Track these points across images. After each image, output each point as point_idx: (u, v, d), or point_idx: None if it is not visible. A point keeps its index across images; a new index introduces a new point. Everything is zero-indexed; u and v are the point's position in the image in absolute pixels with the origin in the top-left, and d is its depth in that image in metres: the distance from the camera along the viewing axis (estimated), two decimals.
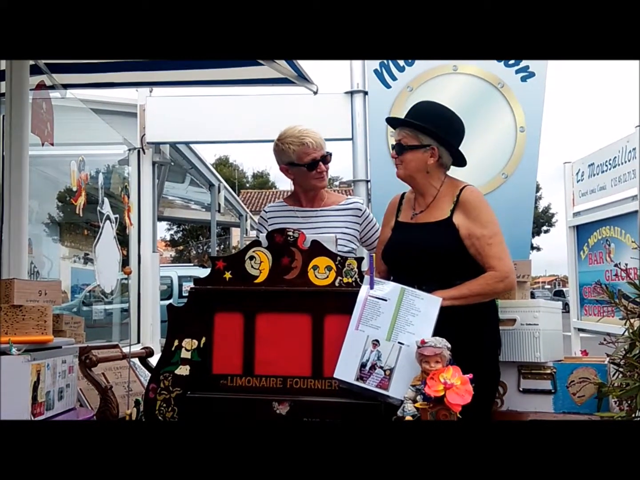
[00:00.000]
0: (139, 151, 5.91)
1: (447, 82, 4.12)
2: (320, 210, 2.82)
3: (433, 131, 2.32)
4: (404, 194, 2.55)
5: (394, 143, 2.43)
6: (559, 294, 30.94)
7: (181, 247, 32.77)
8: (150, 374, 2.31)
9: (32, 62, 3.32)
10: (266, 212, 2.90)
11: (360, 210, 2.85)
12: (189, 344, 2.13)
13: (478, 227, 2.28)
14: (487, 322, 2.36)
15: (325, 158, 2.77)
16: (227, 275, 2.16)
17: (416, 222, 2.40)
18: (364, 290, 2.07)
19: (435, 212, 2.35)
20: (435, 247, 2.29)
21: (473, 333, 2.24)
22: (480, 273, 2.26)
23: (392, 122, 2.49)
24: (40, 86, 3.53)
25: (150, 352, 2.64)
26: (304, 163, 2.73)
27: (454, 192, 2.35)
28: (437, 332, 1.99)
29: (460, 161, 2.44)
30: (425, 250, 2.30)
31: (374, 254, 2.15)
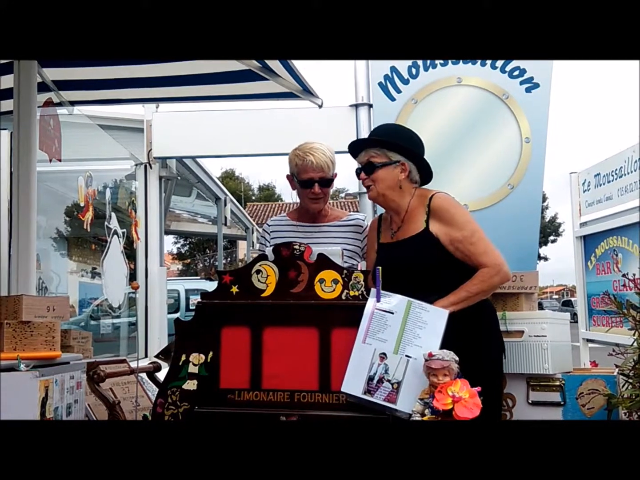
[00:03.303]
0: (145, 166, 5.95)
1: (452, 94, 4.12)
2: (323, 225, 2.82)
3: (402, 146, 2.34)
4: (381, 215, 2.56)
5: (359, 167, 2.42)
6: (567, 304, 30.75)
7: (188, 261, 32.80)
8: (158, 389, 2.31)
9: (39, 79, 3.35)
10: (269, 225, 2.91)
11: (362, 226, 2.85)
12: (197, 358, 2.13)
13: (457, 230, 2.28)
14: (486, 323, 2.33)
15: (326, 181, 2.71)
16: (234, 289, 2.17)
17: (396, 240, 2.40)
18: (370, 303, 2.07)
19: (411, 226, 2.36)
20: (419, 260, 2.29)
21: (472, 335, 2.21)
22: (469, 274, 2.26)
23: (359, 144, 2.46)
24: (48, 103, 3.57)
25: (157, 367, 2.64)
26: (300, 179, 2.74)
27: (423, 202, 2.36)
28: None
29: (426, 177, 2.45)
30: (410, 266, 2.29)
31: (380, 267, 2.15)
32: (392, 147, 2.35)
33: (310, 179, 2.70)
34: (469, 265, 2.27)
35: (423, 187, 2.45)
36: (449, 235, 2.28)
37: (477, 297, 2.23)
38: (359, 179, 2.45)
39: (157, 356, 2.64)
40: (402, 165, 2.36)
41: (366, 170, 2.39)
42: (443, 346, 1.97)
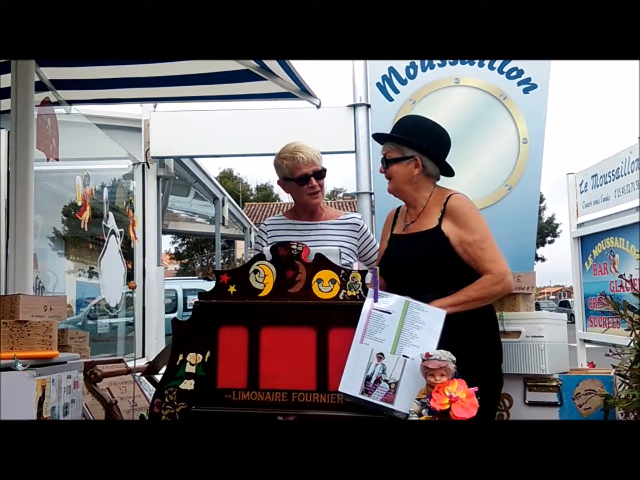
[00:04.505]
0: (143, 165, 5.95)
1: (450, 94, 4.13)
2: (319, 224, 2.84)
3: (413, 142, 2.36)
4: (399, 207, 2.57)
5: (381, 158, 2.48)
6: (564, 305, 30.81)
7: (186, 260, 32.78)
8: (155, 389, 2.31)
9: (37, 78, 3.35)
10: (265, 225, 2.93)
11: (358, 225, 2.86)
12: (194, 358, 2.13)
13: (468, 233, 2.28)
14: (483, 327, 2.32)
15: (319, 173, 2.76)
16: (232, 289, 2.17)
17: (407, 233, 2.42)
18: (368, 303, 2.07)
19: (425, 222, 2.37)
20: (425, 255, 2.29)
21: (469, 338, 2.21)
22: (473, 279, 2.26)
23: (378, 138, 2.54)
24: (45, 102, 3.56)
25: None
26: (295, 178, 2.75)
27: (441, 200, 2.36)
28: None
29: (447, 171, 2.46)
30: (415, 260, 2.30)
31: (377, 267, 2.15)
32: (404, 142, 2.38)
33: (305, 175, 2.74)
34: (474, 269, 2.27)
35: (444, 185, 2.46)
36: (460, 237, 2.28)
37: (475, 303, 2.23)
38: (380, 170, 2.50)
39: (143, 374, 2.61)
40: (415, 161, 2.37)
41: (383, 164, 2.44)
42: (440, 346, 1.97)
